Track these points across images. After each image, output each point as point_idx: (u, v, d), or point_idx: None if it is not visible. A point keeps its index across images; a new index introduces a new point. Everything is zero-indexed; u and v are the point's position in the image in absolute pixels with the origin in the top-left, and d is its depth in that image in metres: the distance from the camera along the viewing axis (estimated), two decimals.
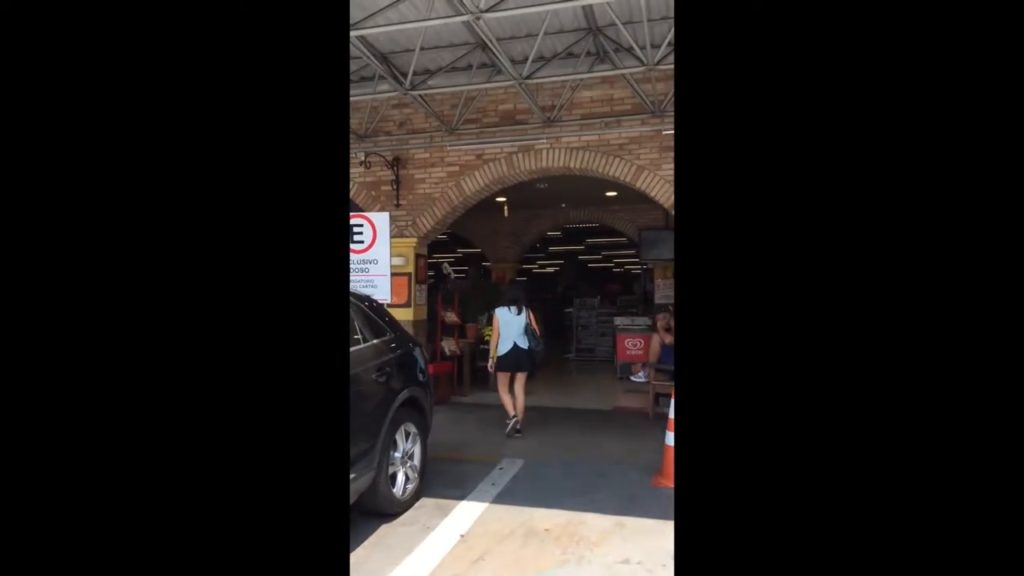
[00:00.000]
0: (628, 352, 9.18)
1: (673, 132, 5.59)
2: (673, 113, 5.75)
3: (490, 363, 5.93)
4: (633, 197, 9.04)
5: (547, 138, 6.60)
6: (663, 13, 5.24)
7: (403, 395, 3.73)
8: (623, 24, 5.04)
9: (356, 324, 3.61)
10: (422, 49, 5.62)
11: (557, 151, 6.60)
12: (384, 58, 6.00)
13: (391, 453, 3.60)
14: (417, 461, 3.92)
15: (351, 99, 6.31)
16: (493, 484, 4.22)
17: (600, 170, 6.49)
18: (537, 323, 5.79)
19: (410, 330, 6.46)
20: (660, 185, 6.29)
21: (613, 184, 7.72)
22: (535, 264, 21.22)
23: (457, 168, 6.99)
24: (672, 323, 6.62)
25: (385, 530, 3.44)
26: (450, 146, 6.96)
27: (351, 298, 3.71)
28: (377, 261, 5.96)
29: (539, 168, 6.73)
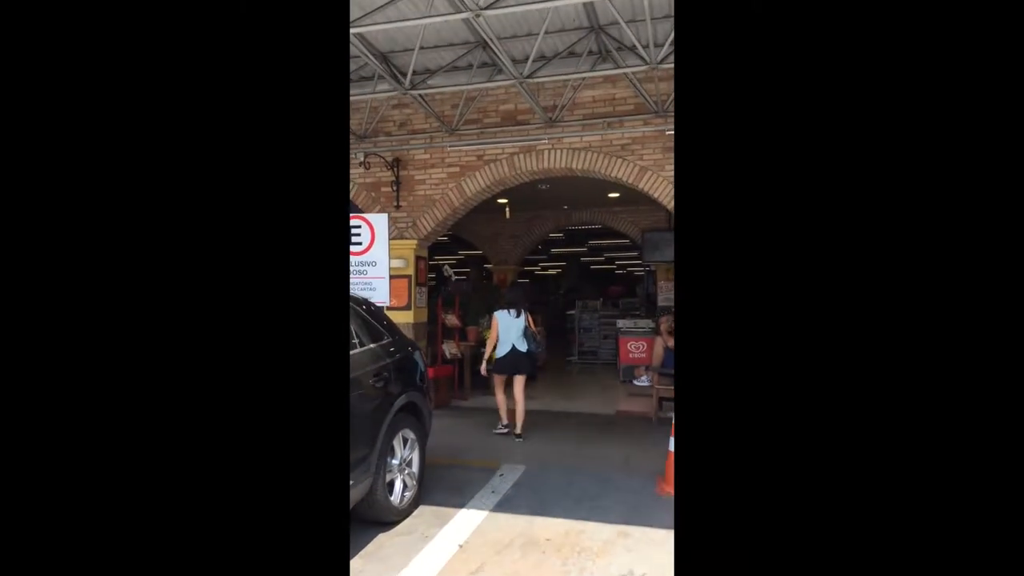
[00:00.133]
0: (631, 355, 9.13)
1: None
2: None
3: (483, 366, 5.87)
4: (636, 198, 8.97)
5: (549, 138, 6.53)
6: (666, 11, 5.16)
7: (401, 400, 3.65)
8: (626, 22, 4.95)
9: (353, 328, 3.53)
10: (422, 48, 5.55)
11: (559, 152, 6.52)
12: (384, 57, 5.93)
13: (388, 460, 3.51)
14: (415, 468, 3.83)
15: (351, 99, 6.24)
16: (493, 491, 4.13)
17: (602, 171, 6.42)
18: (536, 326, 5.73)
19: (410, 333, 6.40)
20: (663, 186, 6.20)
21: (615, 185, 7.65)
22: (537, 266, 21.17)
23: (458, 169, 6.91)
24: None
25: (382, 539, 3.35)
26: (450, 147, 6.89)
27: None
28: (376, 263, 5.87)
29: (541, 169, 6.65)
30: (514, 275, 12.77)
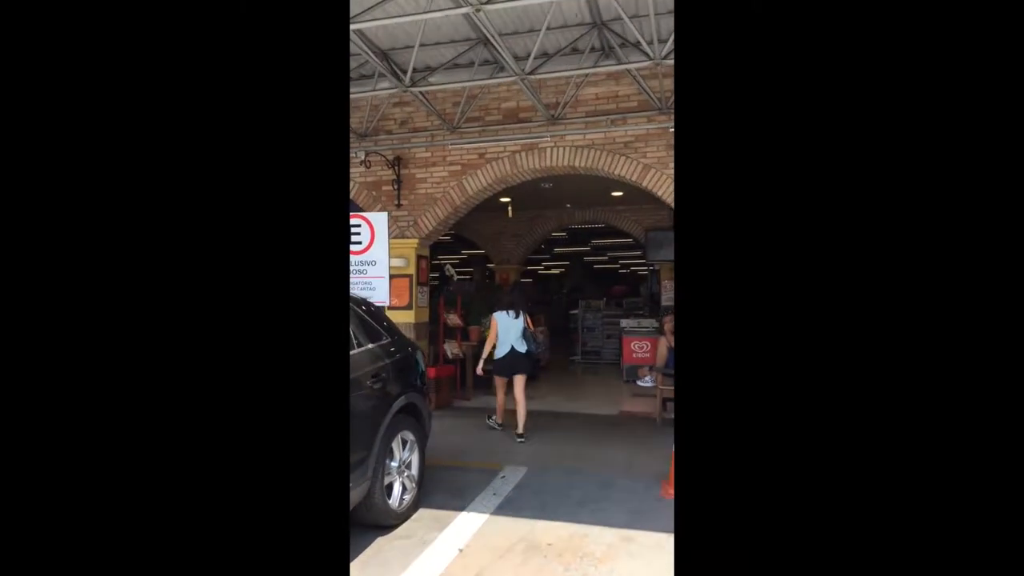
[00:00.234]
0: (634, 355, 9.08)
1: None
2: None
3: (479, 366, 5.83)
4: (639, 197, 8.90)
5: (551, 136, 6.45)
6: (669, 7, 5.07)
7: (400, 401, 3.58)
8: (629, 18, 4.88)
9: (351, 328, 3.47)
10: (422, 45, 5.47)
11: (561, 150, 6.44)
12: (384, 55, 5.86)
13: (387, 462, 3.45)
14: (415, 470, 3.77)
15: (351, 97, 6.18)
16: (494, 494, 4.06)
17: (606, 169, 6.34)
18: (537, 326, 5.68)
19: (411, 333, 6.34)
20: (667, 184, 6.12)
21: (619, 184, 7.58)
22: (540, 265, 21.10)
23: (459, 167, 6.85)
24: None
25: (380, 543, 3.29)
26: (452, 145, 6.82)
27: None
28: (375, 262, 5.80)
29: (543, 167, 6.58)
30: (517, 274, 12.71)
